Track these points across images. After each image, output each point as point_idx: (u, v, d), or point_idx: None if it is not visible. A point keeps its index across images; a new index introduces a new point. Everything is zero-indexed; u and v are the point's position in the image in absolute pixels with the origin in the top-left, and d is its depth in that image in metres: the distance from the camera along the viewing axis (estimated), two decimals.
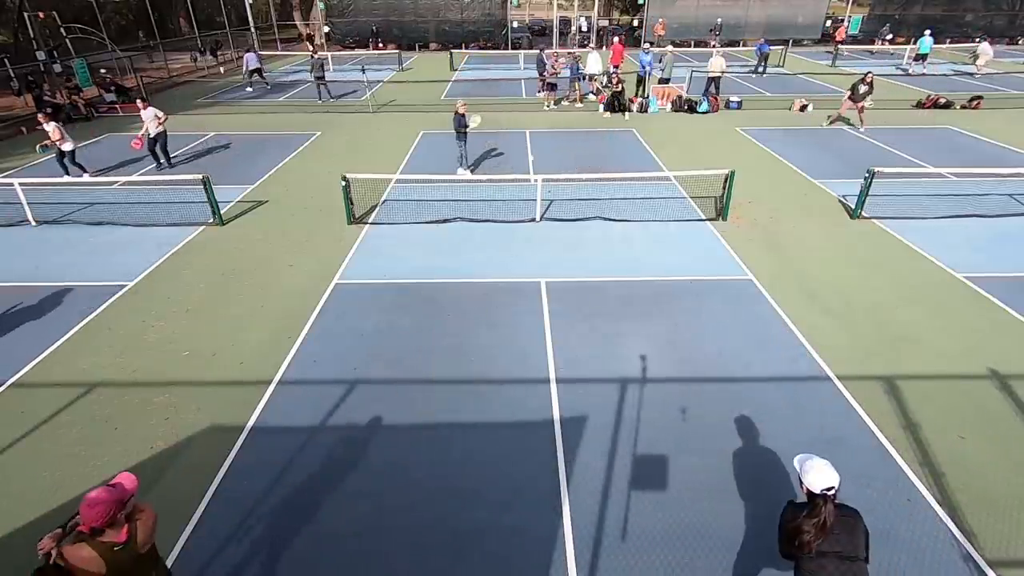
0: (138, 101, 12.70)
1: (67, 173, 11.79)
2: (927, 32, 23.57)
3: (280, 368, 6.33)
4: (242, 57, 23.39)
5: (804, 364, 6.31)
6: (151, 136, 12.42)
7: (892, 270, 8.22)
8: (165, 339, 6.91)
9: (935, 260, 8.45)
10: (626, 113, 16.95)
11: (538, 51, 19.98)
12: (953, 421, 5.46)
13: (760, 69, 23.86)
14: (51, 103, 17.63)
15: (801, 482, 3.13)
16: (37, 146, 11.49)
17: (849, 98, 15.11)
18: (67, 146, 11.67)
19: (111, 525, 2.84)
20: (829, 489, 2.99)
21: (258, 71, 22.96)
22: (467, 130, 11.82)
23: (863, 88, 14.78)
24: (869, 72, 15.04)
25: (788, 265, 8.42)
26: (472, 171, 12.41)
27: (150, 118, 12.26)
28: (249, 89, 22.32)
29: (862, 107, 15.19)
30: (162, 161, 12.95)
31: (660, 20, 31.06)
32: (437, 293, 7.79)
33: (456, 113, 11.65)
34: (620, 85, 16.78)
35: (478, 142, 13.89)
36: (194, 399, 5.92)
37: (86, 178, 11.93)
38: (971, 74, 23.01)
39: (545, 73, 18.63)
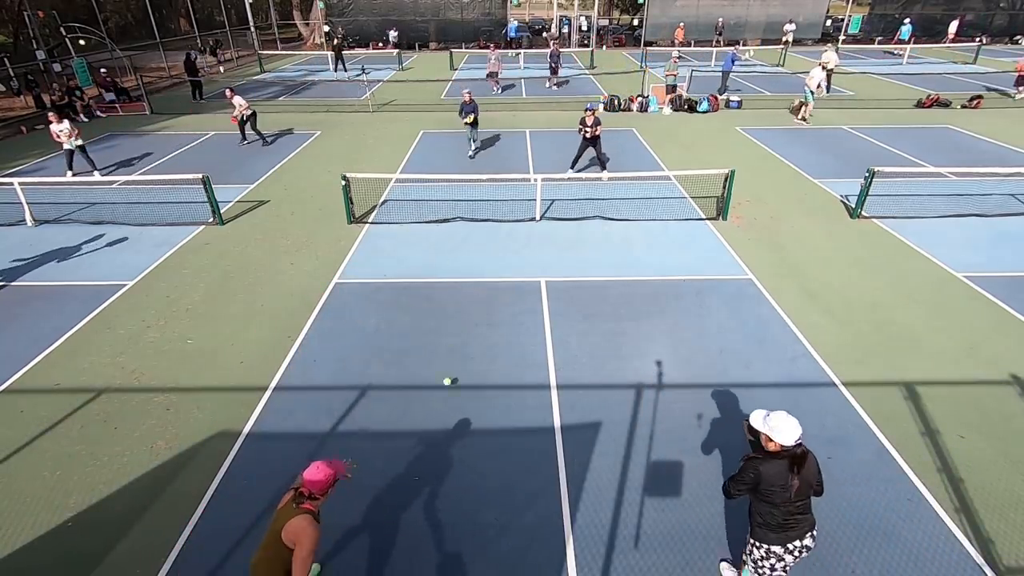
0: (227, 91, 14.39)
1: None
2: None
3: (280, 368, 6.34)
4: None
5: (804, 363, 6.31)
6: (243, 117, 14.18)
7: (892, 269, 8.22)
8: (165, 339, 6.91)
9: (935, 259, 8.45)
10: (604, 172, 11.73)
11: (551, 48, 22.14)
12: (953, 420, 5.47)
13: (721, 90, 19.49)
14: (56, 105, 17.58)
15: (756, 437, 3.40)
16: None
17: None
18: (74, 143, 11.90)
19: (312, 495, 3.20)
20: (799, 441, 3.28)
21: (198, 85, 20.03)
22: (466, 122, 12.79)
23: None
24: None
25: (788, 264, 8.42)
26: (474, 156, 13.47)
27: (238, 104, 13.98)
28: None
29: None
30: (261, 138, 14.80)
31: (680, 24, 31.00)
32: (437, 293, 7.79)
33: (464, 102, 12.69)
34: (596, 129, 11.32)
35: (490, 143, 13.89)
36: (194, 399, 5.92)
37: (96, 176, 12.14)
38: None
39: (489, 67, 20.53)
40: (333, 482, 3.28)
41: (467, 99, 12.67)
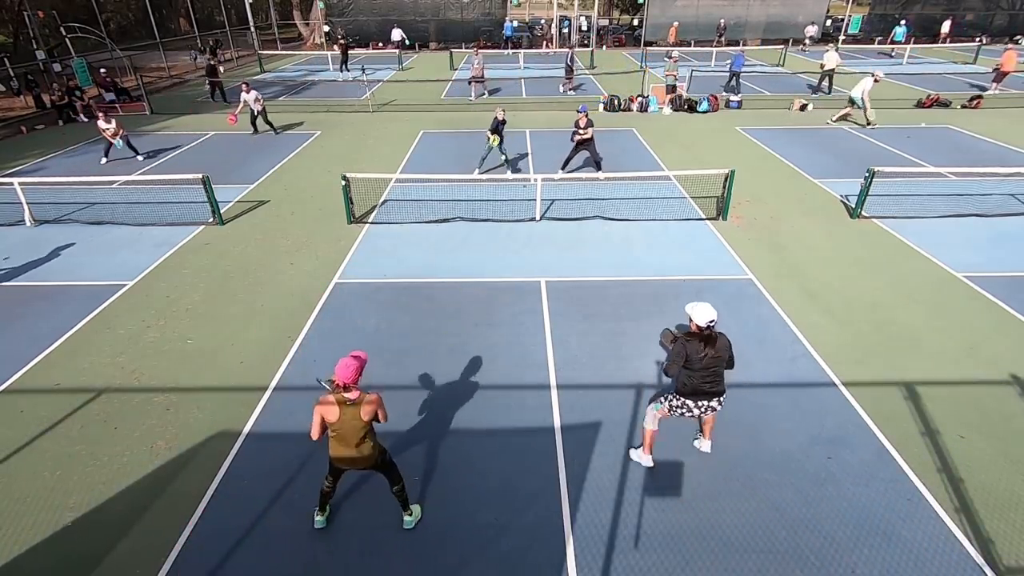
0: (243, 84, 15.34)
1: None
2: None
3: (280, 368, 6.34)
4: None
5: (804, 364, 6.31)
6: (255, 112, 15.25)
7: (892, 270, 8.22)
8: (165, 339, 6.91)
9: (935, 259, 8.45)
10: (600, 172, 11.55)
11: (567, 50, 21.75)
12: (953, 420, 5.47)
13: (730, 86, 19.70)
14: (56, 105, 17.59)
15: (691, 320, 4.42)
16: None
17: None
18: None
19: (352, 386, 3.89)
20: (711, 322, 4.34)
21: (219, 86, 19.71)
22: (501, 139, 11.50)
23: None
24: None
25: (788, 264, 8.42)
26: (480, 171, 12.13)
27: (252, 99, 15.00)
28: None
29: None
30: (258, 129, 15.70)
31: (674, 24, 30.96)
32: (437, 293, 7.79)
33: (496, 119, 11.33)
34: (588, 131, 11.17)
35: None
36: (194, 399, 5.92)
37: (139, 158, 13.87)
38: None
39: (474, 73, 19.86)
40: (360, 372, 3.94)
41: (501, 116, 11.33)
